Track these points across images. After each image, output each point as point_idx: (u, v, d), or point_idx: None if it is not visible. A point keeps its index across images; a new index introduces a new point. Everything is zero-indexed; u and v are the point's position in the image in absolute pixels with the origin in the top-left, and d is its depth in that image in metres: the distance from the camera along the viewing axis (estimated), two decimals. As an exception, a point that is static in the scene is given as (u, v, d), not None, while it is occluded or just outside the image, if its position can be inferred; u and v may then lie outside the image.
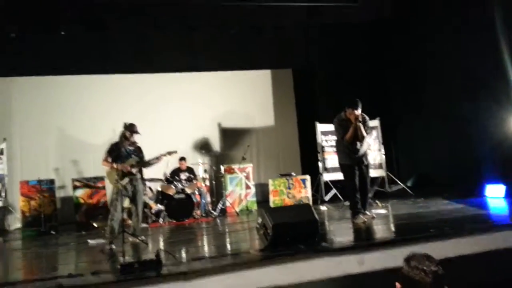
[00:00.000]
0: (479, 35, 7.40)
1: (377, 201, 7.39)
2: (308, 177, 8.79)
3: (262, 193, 9.34)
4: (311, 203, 8.31)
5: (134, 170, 5.72)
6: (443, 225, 4.54)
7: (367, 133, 5.63)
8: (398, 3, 9.27)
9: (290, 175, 8.80)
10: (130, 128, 5.78)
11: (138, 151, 5.89)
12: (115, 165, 5.63)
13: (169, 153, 5.89)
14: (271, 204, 8.31)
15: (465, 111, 7.79)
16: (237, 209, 8.52)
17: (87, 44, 8.84)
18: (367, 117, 5.71)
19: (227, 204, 8.44)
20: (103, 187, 8.03)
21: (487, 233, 4.28)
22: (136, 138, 5.83)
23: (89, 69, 9.06)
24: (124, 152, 5.73)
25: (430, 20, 8.79)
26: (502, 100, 6.95)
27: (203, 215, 7.95)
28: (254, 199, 8.86)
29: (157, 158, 5.82)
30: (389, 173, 9.06)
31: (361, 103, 5.53)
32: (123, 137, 5.76)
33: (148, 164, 5.86)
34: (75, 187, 8.02)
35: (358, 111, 5.46)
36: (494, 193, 6.68)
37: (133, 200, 5.79)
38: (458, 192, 7.13)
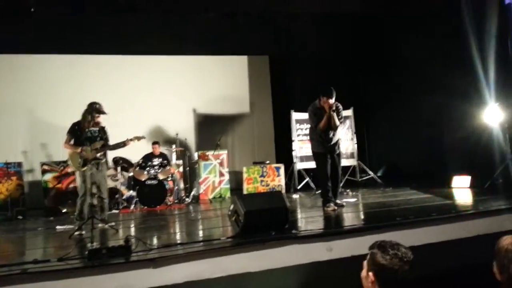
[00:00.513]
0: (447, 35, 7.63)
1: (347, 190, 7.54)
2: (282, 165, 8.85)
3: (236, 180, 9.36)
4: (284, 191, 8.40)
5: (98, 154, 5.52)
6: (409, 214, 4.67)
7: (340, 122, 5.69)
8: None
9: (264, 163, 8.84)
10: (97, 108, 5.51)
11: (103, 132, 5.66)
12: (78, 150, 5.43)
13: (137, 138, 5.74)
14: (245, 192, 8.34)
15: (433, 105, 8.01)
16: (211, 196, 8.52)
17: (61, 24, 8.56)
18: (340, 107, 5.77)
19: (201, 191, 8.42)
20: (73, 172, 7.85)
21: (452, 222, 4.42)
22: (101, 118, 5.61)
23: (62, 49, 8.81)
24: (89, 135, 5.51)
25: (407, 16, 8.92)
26: (469, 95, 7.17)
27: (176, 201, 7.92)
28: (228, 186, 8.87)
29: (124, 143, 5.66)
30: (360, 163, 9.24)
31: (336, 92, 5.58)
32: (89, 116, 5.49)
33: (113, 148, 5.69)
34: (43, 171, 7.83)
35: (332, 100, 5.50)
36: (460, 183, 6.90)
37: (98, 185, 5.59)
38: (426, 183, 7.34)
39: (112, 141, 5.74)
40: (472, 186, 6.69)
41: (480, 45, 7.03)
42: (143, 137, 5.89)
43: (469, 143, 7.18)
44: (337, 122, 5.58)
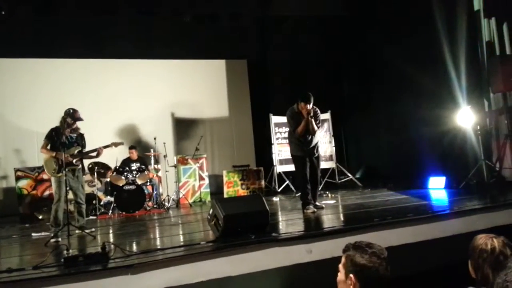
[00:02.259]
0: (421, 41, 7.83)
1: (327, 192, 7.61)
2: (262, 169, 8.88)
3: (216, 184, 9.34)
4: (264, 194, 8.42)
5: (75, 160, 5.48)
6: (387, 214, 4.74)
7: (318, 127, 5.73)
8: (354, 2, 9.52)
9: (244, 166, 8.85)
10: (73, 115, 5.47)
11: (81, 138, 5.63)
12: (54, 154, 5.36)
13: (115, 144, 5.70)
14: (225, 195, 8.32)
15: (409, 108, 8.19)
16: (191, 201, 8.46)
17: (33, 26, 8.41)
18: (318, 111, 5.82)
19: (180, 195, 8.35)
20: (49, 178, 7.69)
21: (428, 223, 4.51)
22: (79, 124, 5.57)
23: (37, 53, 8.62)
24: (66, 140, 5.44)
25: (383, 22, 9.11)
26: (441, 99, 7.37)
27: (155, 206, 7.83)
28: (208, 190, 8.84)
29: (96, 151, 5.61)
30: (339, 165, 9.34)
31: (314, 96, 5.63)
32: (65, 123, 5.45)
33: (86, 155, 5.63)
34: (18, 178, 7.63)
35: (310, 106, 5.54)
36: (436, 184, 7.05)
37: (75, 191, 5.54)
38: (402, 184, 7.48)
39: (88, 148, 5.68)
40: (447, 186, 6.84)
41: (453, 50, 7.25)
42: (121, 143, 5.85)
43: (444, 145, 7.37)
44: (315, 127, 5.62)
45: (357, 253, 1.88)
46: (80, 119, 5.55)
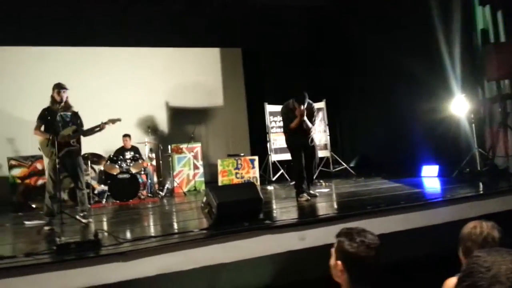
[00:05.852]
0: (415, 29, 7.77)
1: (321, 181, 7.63)
2: (256, 158, 8.87)
3: (211, 173, 9.33)
4: (259, 183, 8.43)
5: (72, 141, 5.18)
6: (380, 202, 4.76)
7: (313, 124, 5.73)
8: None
9: (238, 155, 8.84)
10: (56, 87, 5.15)
11: (75, 117, 5.34)
12: (47, 136, 5.03)
13: (112, 121, 5.41)
14: (220, 184, 8.32)
15: (404, 97, 8.18)
16: (185, 189, 8.46)
17: (20, 13, 8.25)
18: (314, 107, 5.80)
19: (175, 184, 8.34)
20: (42, 167, 7.65)
21: (420, 210, 4.54)
22: (65, 96, 5.18)
23: (31, 41, 8.48)
24: (60, 119, 5.16)
25: (377, 11, 9.03)
26: (435, 88, 7.36)
27: (149, 195, 7.82)
28: (203, 179, 8.82)
29: (99, 126, 5.31)
30: (333, 154, 9.34)
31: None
32: (53, 99, 5.17)
33: (87, 132, 5.33)
34: (11, 166, 7.59)
35: (304, 106, 5.50)
36: (429, 173, 7.09)
37: (73, 175, 5.29)
38: (396, 172, 7.51)
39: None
40: (440, 175, 6.88)
41: (447, 38, 7.22)
42: (118, 120, 5.51)
43: (437, 134, 7.38)
44: (309, 125, 5.61)
45: (347, 240, 1.85)
46: (64, 87, 5.20)
